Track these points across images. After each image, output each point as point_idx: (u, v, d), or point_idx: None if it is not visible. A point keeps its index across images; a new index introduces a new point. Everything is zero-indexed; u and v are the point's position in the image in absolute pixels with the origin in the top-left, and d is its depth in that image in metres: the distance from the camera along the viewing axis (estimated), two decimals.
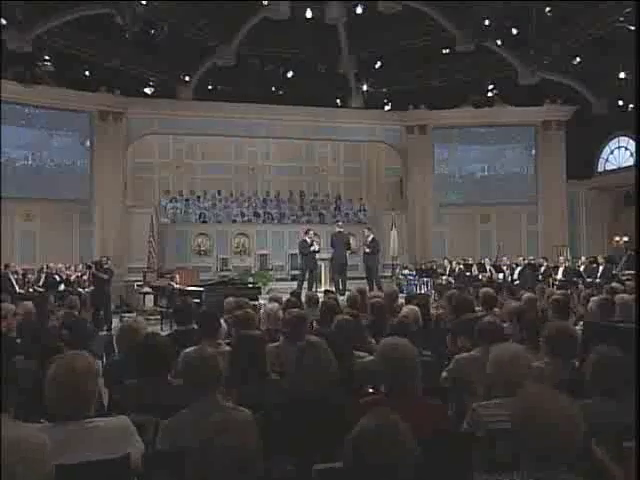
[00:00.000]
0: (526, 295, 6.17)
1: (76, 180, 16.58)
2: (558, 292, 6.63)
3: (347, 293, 11.97)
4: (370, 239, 12.56)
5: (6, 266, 12.22)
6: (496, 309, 6.56)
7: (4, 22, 12.58)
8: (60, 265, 13.15)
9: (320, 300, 6.73)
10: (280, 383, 2.81)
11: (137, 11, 11.95)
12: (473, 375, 3.11)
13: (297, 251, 13.08)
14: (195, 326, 4.10)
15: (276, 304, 4.94)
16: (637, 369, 3.72)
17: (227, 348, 3.51)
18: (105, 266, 11.70)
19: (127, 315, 13.68)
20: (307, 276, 12.10)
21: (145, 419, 2.66)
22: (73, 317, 6.91)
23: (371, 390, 2.99)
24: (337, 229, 12.56)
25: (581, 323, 5.29)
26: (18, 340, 5.86)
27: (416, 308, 4.33)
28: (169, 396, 2.62)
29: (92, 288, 12.15)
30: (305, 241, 11.98)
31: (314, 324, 5.48)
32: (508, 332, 5.16)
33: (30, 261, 15.20)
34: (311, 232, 12.23)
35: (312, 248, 11.87)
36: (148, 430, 2.68)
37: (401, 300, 11.36)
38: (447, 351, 3.87)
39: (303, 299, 7.89)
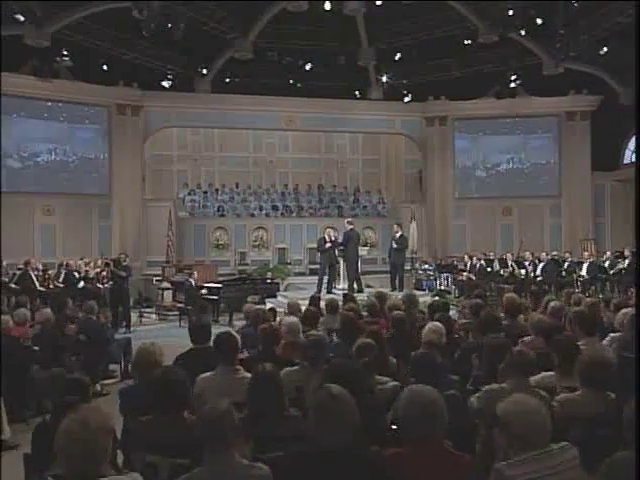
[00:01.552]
0: (552, 304, 5.95)
1: (96, 174, 16.64)
2: (586, 300, 6.39)
3: (365, 291, 11.86)
4: (399, 235, 12.23)
5: (26, 263, 12.30)
6: (521, 316, 6.41)
7: (22, 18, 12.51)
8: (80, 262, 13.20)
9: (339, 306, 6.64)
10: (299, 421, 2.70)
11: (154, 6, 11.80)
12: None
13: (315, 245, 12.80)
14: (211, 344, 4.00)
15: (295, 318, 4.82)
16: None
17: (246, 374, 3.40)
18: (123, 263, 11.70)
19: (146, 311, 13.76)
20: (327, 271, 11.88)
21: (159, 459, 2.57)
22: (91, 323, 6.88)
23: (394, 427, 2.86)
24: (348, 226, 12.07)
25: (611, 336, 5.10)
26: (36, 348, 5.86)
27: (440, 326, 4.18)
28: (184, 435, 2.52)
29: (111, 283, 12.17)
30: (323, 238, 11.76)
31: (334, 337, 5.38)
32: (535, 346, 5.02)
33: (50, 255, 15.35)
34: (329, 230, 11.98)
35: (327, 245, 11.61)
36: (162, 471, 2.59)
37: (422, 299, 11.31)
38: (474, 375, 3.72)
39: (323, 302, 7.83)
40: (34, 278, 12.13)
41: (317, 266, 12.99)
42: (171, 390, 2.63)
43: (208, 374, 3.42)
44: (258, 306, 5.88)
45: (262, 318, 5.32)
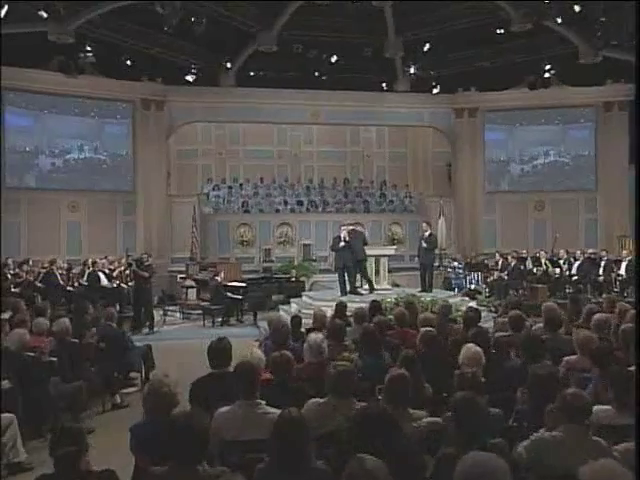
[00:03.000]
0: (596, 317, 5.53)
1: (123, 170, 16.55)
2: (631, 312, 5.93)
3: (393, 290, 11.49)
4: (428, 234, 11.76)
5: (52, 262, 12.34)
6: (561, 330, 6.00)
7: (45, 15, 12.40)
8: (104, 260, 13.12)
9: (367, 316, 6.33)
10: (324, 474, 2.41)
11: (176, 1, 11.56)
12: (552, 460, 2.62)
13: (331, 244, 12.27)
14: (231, 369, 3.74)
15: (320, 335, 4.52)
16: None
17: (267, 409, 3.12)
18: (146, 263, 11.54)
19: (170, 309, 13.62)
20: (344, 272, 11.48)
21: None
22: (111, 330, 6.70)
23: None
24: (350, 227, 11.73)
25: None
26: (53, 359, 5.68)
27: (477, 352, 3.82)
28: None
29: (133, 283, 12.06)
30: (338, 237, 11.37)
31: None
32: (581, 367, 4.63)
33: (76, 252, 15.36)
34: (344, 228, 11.52)
35: (341, 244, 11.23)
36: None
37: (451, 300, 10.89)
38: (518, 409, 3.36)
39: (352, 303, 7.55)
40: (59, 277, 12.12)
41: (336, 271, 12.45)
42: (189, 440, 2.36)
43: (226, 409, 3.15)
44: (282, 317, 5.57)
45: (284, 332, 5.06)
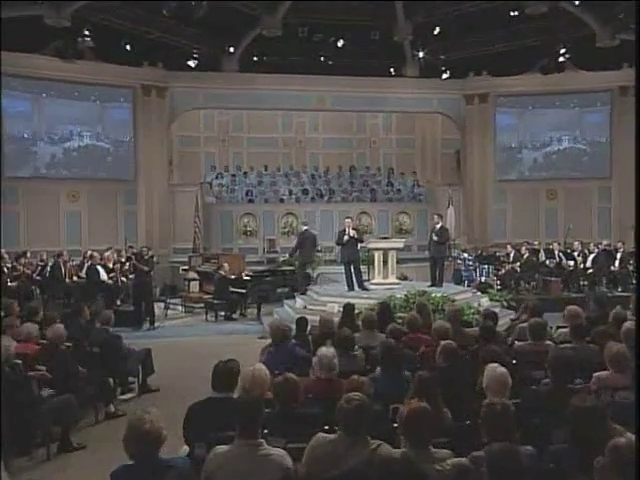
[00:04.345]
0: (627, 326, 5.11)
1: (125, 158, 16.11)
2: None
3: (402, 284, 11.05)
4: (439, 226, 11.28)
5: (59, 255, 12.09)
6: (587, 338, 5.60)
7: None
8: (107, 253, 12.75)
9: (376, 322, 5.93)
10: None
11: None
12: None
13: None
14: (234, 395, 3.36)
15: (331, 350, 4.13)
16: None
17: (270, 451, 2.73)
18: (146, 257, 11.17)
19: (172, 302, 13.26)
20: (350, 267, 11.07)
21: None
22: (107, 335, 6.33)
23: None
24: (303, 227, 12.12)
25: None
26: (42, 367, 5.33)
27: (502, 371, 3.40)
28: None
29: (133, 276, 11.70)
30: (343, 231, 10.95)
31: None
32: (613, 384, 4.23)
33: (76, 243, 15.02)
34: (348, 221, 11.09)
35: (345, 238, 10.82)
36: None
37: (462, 296, 10.48)
38: (554, 450, 2.94)
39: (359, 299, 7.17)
40: (63, 271, 11.83)
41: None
42: None
43: (223, 449, 2.76)
44: (288, 329, 5.19)
45: (286, 336, 4.70)
